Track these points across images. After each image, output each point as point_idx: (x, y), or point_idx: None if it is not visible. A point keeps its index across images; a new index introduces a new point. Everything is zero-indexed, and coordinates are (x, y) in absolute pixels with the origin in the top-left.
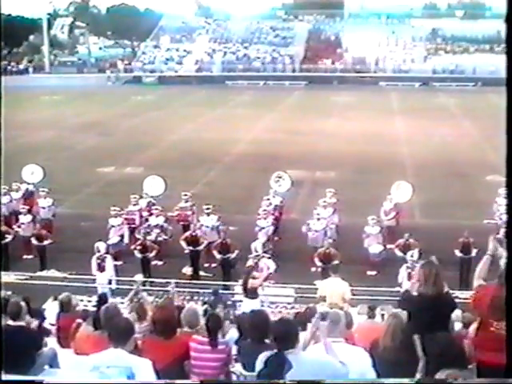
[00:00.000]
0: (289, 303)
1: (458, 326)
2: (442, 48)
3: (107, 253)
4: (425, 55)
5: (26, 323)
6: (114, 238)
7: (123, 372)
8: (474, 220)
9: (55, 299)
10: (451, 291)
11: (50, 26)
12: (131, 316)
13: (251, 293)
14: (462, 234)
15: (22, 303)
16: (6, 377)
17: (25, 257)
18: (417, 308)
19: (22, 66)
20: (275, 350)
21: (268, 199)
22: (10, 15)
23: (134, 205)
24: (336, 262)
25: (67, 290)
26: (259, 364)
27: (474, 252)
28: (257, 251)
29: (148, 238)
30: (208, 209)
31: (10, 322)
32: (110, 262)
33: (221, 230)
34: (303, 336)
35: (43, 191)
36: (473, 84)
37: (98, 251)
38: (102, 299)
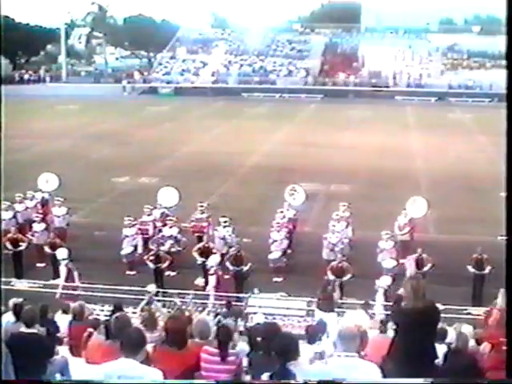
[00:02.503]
0: (301, 316)
1: (471, 342)
2: (458, 63)
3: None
4: (441, 70)
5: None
6: (127, 248)
7: (134, 382)
8: (487, 236)
9: (64, 312)
10: (466, 307)
11: (67, 36)
12: (142, 326)
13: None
14: (476, 250)
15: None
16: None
17: (38, 265)
18: (406, 321)
19: (38, 75)
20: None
21: (282, 212)
22: (28, 24)
23: (148, 215)
24: (349, 275)
25: (79, 299)
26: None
27: (487, 268)
28: (212, 266)
29: (161, 248)
30: (225, 221)
31: (23, 329)
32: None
33: (234, 242)
34: (313, 349)
35: (58, 200)
36: (489, 100)
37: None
38: (116, 308)
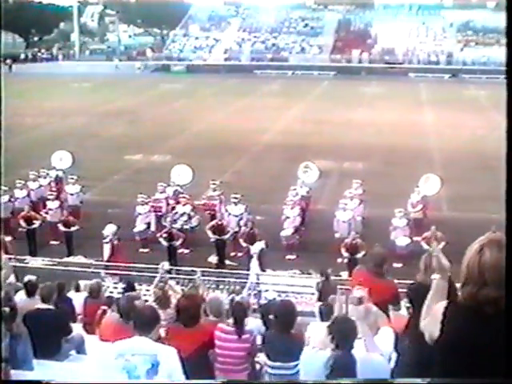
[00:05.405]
0: (313, 294)
1: None
2: (472, 40)
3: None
4: (455, 47)
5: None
6: (140, 226)
7: (148, 360)
8: (501, 214)
9: (77, 290)
10: None
11: (80, 14)
12: (155, 304)
13: None
14: (490, 228)
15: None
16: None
17: (52, 242)
18: (417, 296)
19: (51, 53)
20: (334, 352)
21: (295, 189)
22: (40, 2)
23: (161, 192)
24: (362, 252)
25: (93, 276)
26: (322, 368)
27: None
28: (108, 235)
29: (174, 226)
30: (236, 198)
31: (39, 305)
32: None
33: (247, 220)
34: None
35: (72, 178)
36: (504, 76)
37: None
38: (129, 286)
